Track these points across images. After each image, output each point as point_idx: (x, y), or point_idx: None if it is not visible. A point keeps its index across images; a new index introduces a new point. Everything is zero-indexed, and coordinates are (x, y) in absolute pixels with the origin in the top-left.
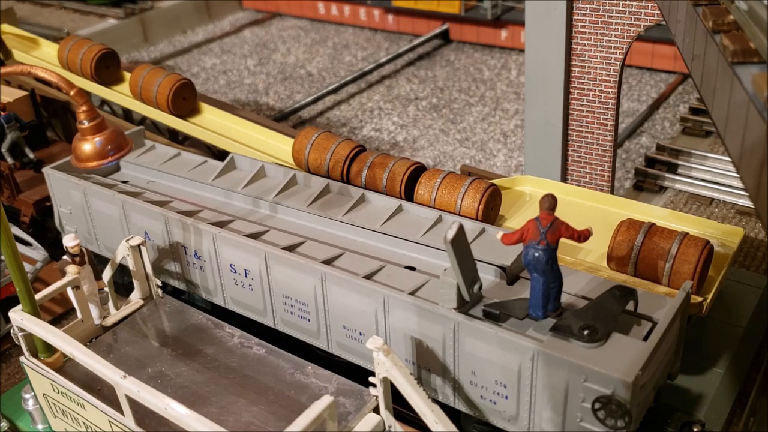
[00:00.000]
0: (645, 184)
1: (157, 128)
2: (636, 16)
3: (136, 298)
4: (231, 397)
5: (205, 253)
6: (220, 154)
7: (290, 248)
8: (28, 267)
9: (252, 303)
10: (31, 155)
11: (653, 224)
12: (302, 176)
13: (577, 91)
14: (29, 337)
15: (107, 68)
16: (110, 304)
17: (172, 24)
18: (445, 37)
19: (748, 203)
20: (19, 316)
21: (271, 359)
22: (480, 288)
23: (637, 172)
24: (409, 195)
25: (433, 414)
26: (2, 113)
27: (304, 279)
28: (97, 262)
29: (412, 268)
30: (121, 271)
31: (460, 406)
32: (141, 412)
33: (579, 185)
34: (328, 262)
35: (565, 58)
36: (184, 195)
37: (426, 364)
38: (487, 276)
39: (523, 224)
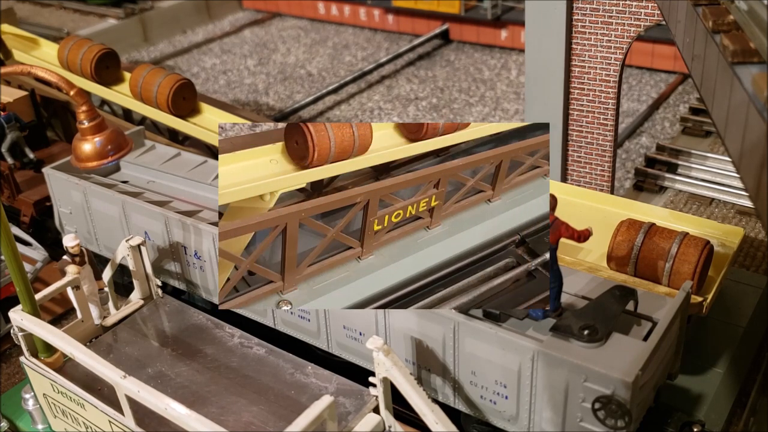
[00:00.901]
0: (645, 184)
1: (157, 128)
2: (636, 16)
3: (136, 298)
4: (231, 397)
5: (205, 253)
6: None
7: None
8: (28, 267)
9: None
10: (31, 155)
11: (653, 224)
12: None
13: (577, 91)
14: (29, 337)
15: (107, 68)
16: (110, 304)
17: (172, 24)
18: (445, 37)
19: (748, 203)
20: (19, 316)
21: (271, 359)
22: None
23: (637, 172)
24: None
25: (433, 414)
26: (2, 113)
27: None
28: (97, 262)
29: None
30: (121, 271)
31: (460, 406)
32: (141, 412)
33: (579, 185)
34: None
35: (565, 58)
36: (184, 195)
37: (426, 364)
38: None
39: None
